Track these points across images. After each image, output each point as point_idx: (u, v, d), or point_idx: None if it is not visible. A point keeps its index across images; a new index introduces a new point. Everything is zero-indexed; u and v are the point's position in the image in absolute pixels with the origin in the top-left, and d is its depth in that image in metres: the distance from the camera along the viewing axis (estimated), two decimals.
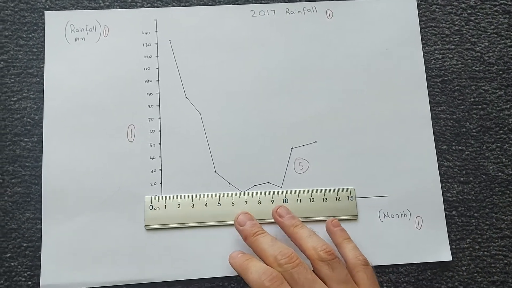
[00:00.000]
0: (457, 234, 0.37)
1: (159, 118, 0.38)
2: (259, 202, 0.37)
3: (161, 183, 0.37)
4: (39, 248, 0.35)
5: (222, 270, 0.35)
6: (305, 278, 0.30)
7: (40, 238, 0.35)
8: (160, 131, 0.38)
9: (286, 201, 0.37)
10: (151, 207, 0.36)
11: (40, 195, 0.36)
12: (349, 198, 0.37)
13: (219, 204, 0.37)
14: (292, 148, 0.38)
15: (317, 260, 0.31)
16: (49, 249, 0.35)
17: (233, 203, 0.37)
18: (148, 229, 0.36)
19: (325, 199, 0.37)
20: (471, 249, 0.37)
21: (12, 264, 0.35)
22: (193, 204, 0.37)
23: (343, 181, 0.37)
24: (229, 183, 0.37)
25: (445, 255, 0.36)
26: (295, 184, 0.37)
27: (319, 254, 0.31)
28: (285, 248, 0.31)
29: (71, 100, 0.38)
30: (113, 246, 0.36)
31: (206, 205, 0.37)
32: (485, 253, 0.37)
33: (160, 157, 0.37)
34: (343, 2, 0.41)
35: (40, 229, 0.36)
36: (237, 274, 0.32)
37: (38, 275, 0.35)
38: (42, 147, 0.37)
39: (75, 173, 0.37)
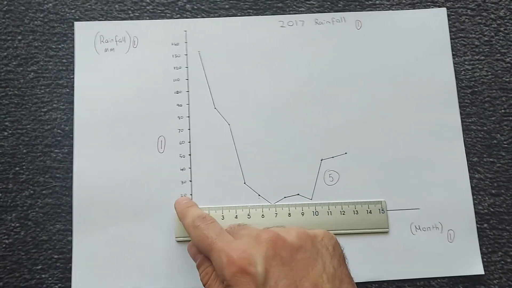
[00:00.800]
0: (489, 247, 0.37)
1: (189, 129, 0.38)
2: (289, 214, 0.37)
3: (191, 194, 0.37)
4: (69, 260, 0.35)
5: None
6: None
7: (70, 250, 0.35)
8: (189, 142, 0.38)
9: (317, 214, 0.37)
10: None
11: (71, 207, 0.36)
12: (380, 211, 0.37)
13: (249, 217, 0.36)
14: (321, 160, 0.38)
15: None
16: (80, 260, 0.35)
17: (263, 215, 0.37)
18: (178, 241, 0.36)
19: (356, 212, 0.37)
20: (503, 262, 0.37)
21: (43, 276, 0.35)
22: (223, 216, 0.36)
23: (373, 193, 0.37)
24: (259, 195, 0.37)
25: (477, 269, 0.36)
26: (325, 196, 0.37)
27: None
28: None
29: (101, 111, 0.38)
30: (144, 257, 0.35)
31: (236, 217, 0.36)
32: None
33: (190, 168, 0.37)
34: (372, 13, 0.40)
35: (71, 241, 0.35)
36: None
37: (69, 287, 0.35)
38: (72, 158, 0.37)
39: (106, 184, 0.37)
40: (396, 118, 0.39)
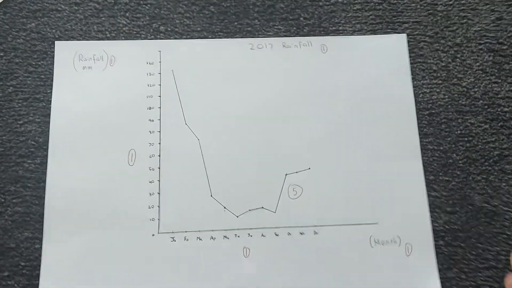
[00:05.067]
0: (444, 264, 0.38)
1: (159, 143, 0.40)
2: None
3: (158, 206, 0.38)
4: (36, 267, 0.36)
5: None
6: None
7: (38, 258, 0.36)
8: (159, 155, 0.39)
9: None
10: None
11: (40, 215, 0.37)
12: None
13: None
14: (286, 175, 0.39)
15: None
16: (48, 268, 0.36)
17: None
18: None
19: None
20: (458, 279, 0.38)
21: (9, 282, 0.36)
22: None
23: (334, 207, 0.39)
24: (225, 207, 0.38)
25: (434, 284, 0.37)
26: (288, 209, 0.39)
27: None
28: None
29: (76, 125, 0.39)
30: (111, 266, 0.36)
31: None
32: (472, 283, 0.38)
33: (159, 181, 0.39)
34: (337, 38, 0.43)
35: (38, 249, 0.36)
36: None
37: None
38: (44, 169, 0.38)
39: (77, 194, 0.38)
40: (358, 137, 0.41)
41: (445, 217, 0.39)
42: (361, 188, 0.39)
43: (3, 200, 0.37)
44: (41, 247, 0.36)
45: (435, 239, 0.38)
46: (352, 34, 0.43)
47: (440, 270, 0.38)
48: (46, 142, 0.39)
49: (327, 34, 0.43)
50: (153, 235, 0.37)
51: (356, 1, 0.44)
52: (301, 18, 0.43)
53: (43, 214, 0.37)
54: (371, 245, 0.38)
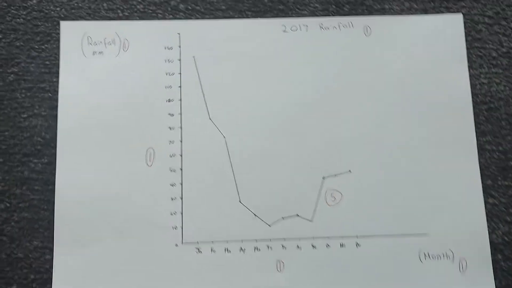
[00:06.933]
0: (502, 281, 0.34)
1: (181, 141, 0.35)
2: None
3: (181, 212, 0.34)
4: (47, 281, 0.33)
5: None
6: None
7: (48, 270, 0.33)
8: (181, 155, 0.35)
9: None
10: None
11: (49, 222, 0.33)
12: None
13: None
14: (323, 178, 0.35)
15: None
16: (60, 281, 0.33)
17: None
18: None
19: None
20: None
21: None
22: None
23: (378, 215, 0.34)
24: (255, 215, 0.34)
25: None
26: (327, 217, 0.34)
27: None
28: None
29: (87, 119, 0.35)
30: (128, 280, 0.33)
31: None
32: None
33: (181, 183, 0.34)
34: (383, 18, 0.37)
35: (49, 260, 0.33)
36: None
37: None
38: (52, 169, 0.34)
39: (90, 199, 0.34)
40: (405, 134, 0.36)
41: (504, 228, 0.34)
42: (408, 194, 0.35)
43: (8, 204, 0.33)
44: (52, 258, 0.33)
45: (493, 253, 0.34)
46: (400, 14, 0.38)
47: None
48: (54, 138, 0.34)
49: (371, 13, 0.37)
50: (176, 245, 0.33)
51: None
52: None
53: (53, 221, 0.33)
54: (421, 259, 0.34)
